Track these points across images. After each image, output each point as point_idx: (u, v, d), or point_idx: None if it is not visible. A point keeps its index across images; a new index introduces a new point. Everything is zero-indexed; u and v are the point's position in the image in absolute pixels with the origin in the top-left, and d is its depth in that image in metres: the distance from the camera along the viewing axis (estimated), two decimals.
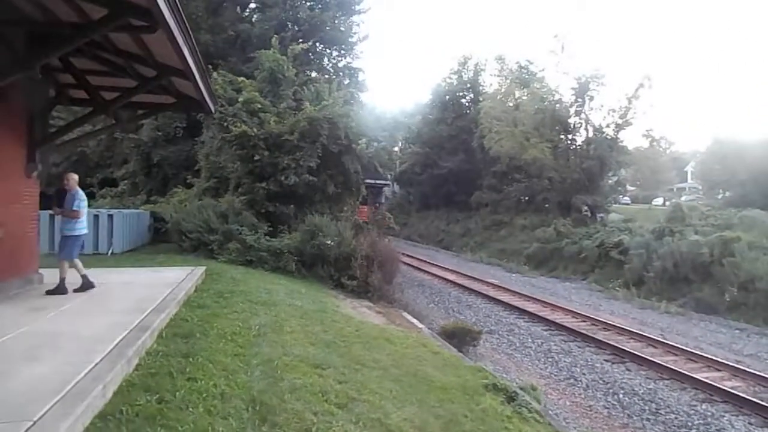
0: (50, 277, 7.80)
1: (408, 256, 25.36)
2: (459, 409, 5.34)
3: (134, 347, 4.50)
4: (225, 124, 13.59)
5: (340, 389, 4.74)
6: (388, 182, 48.39)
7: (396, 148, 49.80)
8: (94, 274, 7.65)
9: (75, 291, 6.99)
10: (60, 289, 6.87)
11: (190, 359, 4.64)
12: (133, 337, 4.78)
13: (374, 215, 15.49)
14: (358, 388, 4.96)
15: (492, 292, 16.57)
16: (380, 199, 45.36)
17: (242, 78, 14.57)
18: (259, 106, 13.95)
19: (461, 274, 20.53)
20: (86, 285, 7.12)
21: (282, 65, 14.77)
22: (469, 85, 40.07)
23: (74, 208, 7.12)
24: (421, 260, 24.45)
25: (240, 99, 13.91)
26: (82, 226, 7.33)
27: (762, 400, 7.71)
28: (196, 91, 8.32)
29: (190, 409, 3.60)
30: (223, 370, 4.54)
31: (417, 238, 37.33)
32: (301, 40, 18.24)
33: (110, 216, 12.84)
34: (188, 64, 6.60)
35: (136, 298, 6.56)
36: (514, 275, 21.93)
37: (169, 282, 7.92)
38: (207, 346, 5.16)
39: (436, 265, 22.87)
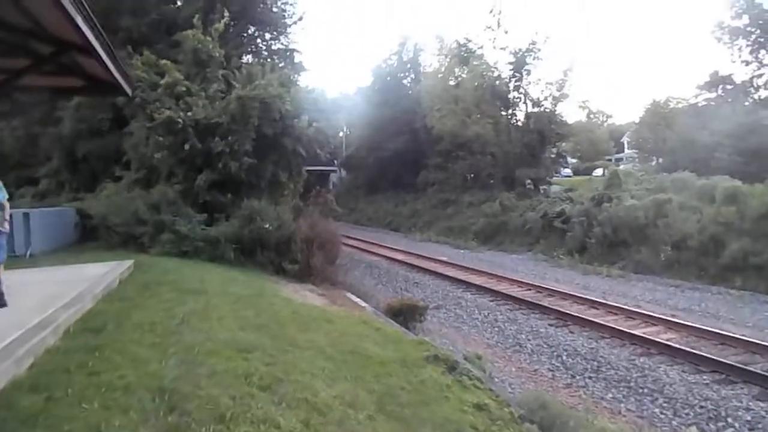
0: None
1: (356, 239, 25.15)
2: (396, 382, 5.15)
3: (27, 346, 4.03)
4: (148, 111, 12.78)
5: (265, 371, 4.44)
6: (335, 168, 47.99)
7: (341, 134, 49.42)
8: (6, 275, 6.99)
9: None
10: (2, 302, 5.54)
11: (96, 353, 4.21)
12: (29, 335, 4.30)
13: (316, 198, 15.09)
14: (287, 369, 4.67)
15: (440, 269, 16.56)
16: (327, 185, 44.87)
17: (165, 60, 13.69)
18: (184, 89, 13.18)
19: (409, 253, 20.47)
20: None
21: (207, 45, 13.99)
22: (409, 66, 39.94)
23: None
24: (370, 243, 24.27)
25: (161, 82, 13.09)
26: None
27: (693, 349, 7.99)
28: (105, 70, 7.64)
29: (83, 405, 3.22)
30: (132, 361, 4.14)
31: (366, 222, 37.11)
32: (231, 22, 17.43)
33: (26, 215, 11.87)
34: (84, 36, 5.99)
35: (44, 296, 5.99)
36: (462, 251, 22.06)
37: (88, 277, 7.32)
38: (119, 338, 4.74)
39: (384, 247, 22.73)
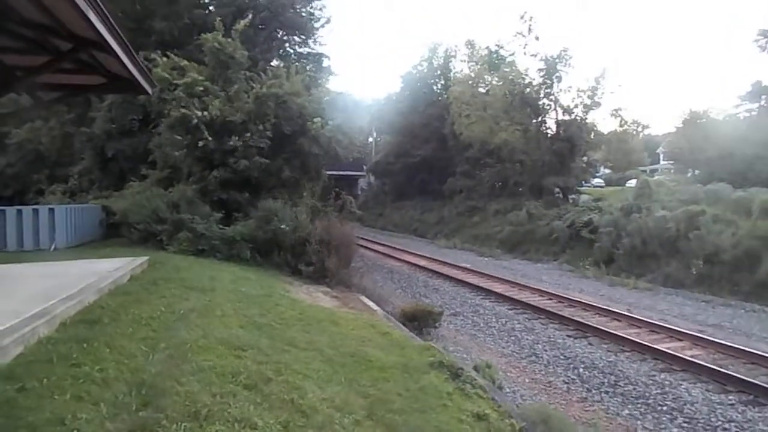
0: None
1: (381, 245, 25.09)
2: (393, 388, 4.96)
3: (17, 335, 4.01)
4: (167, 109, 12.97)
5: (255, 370, 4.32)
6: (363, 173, 48.05)
7: (371, 139, 49.47)
8: (22, 267, 7.14)
9: None
10: None
11: (85, 345, 4.16)
12: (21, 325, 4.28)
13: (335, 200, 15.00)
14: (279, 368, 4.54)
15: (461, 276, 16.27)
16: (355, 190, 44.97)
17: (185, 61, 13.88)
18: (202, 89, 13.33)
19: (432, 259, 20.23)
20: None
21: (227, 47, 14.10)
22: (439, 72, 39.73)
23: None
24: (394, 248, 24.12)
25: (179, 82, 13.27)
26: None
27: (720, 367, 7.52)
28: (122, 67, 7.74)
29: (55, 396, 3.15)
30: (119, 354, 4.08)
31: (392, 228, 36.97)
32: (260, 25, 17.62)
33: (51, 210, 12.19)
34: (99, 32, 6.05)
35: (49, 288, 6.01)
36: (486, 259, 21.68)
37: (98, 272, 7.36)
38: (112, 331, 4.69)
39: (408, 252, 22.54)
